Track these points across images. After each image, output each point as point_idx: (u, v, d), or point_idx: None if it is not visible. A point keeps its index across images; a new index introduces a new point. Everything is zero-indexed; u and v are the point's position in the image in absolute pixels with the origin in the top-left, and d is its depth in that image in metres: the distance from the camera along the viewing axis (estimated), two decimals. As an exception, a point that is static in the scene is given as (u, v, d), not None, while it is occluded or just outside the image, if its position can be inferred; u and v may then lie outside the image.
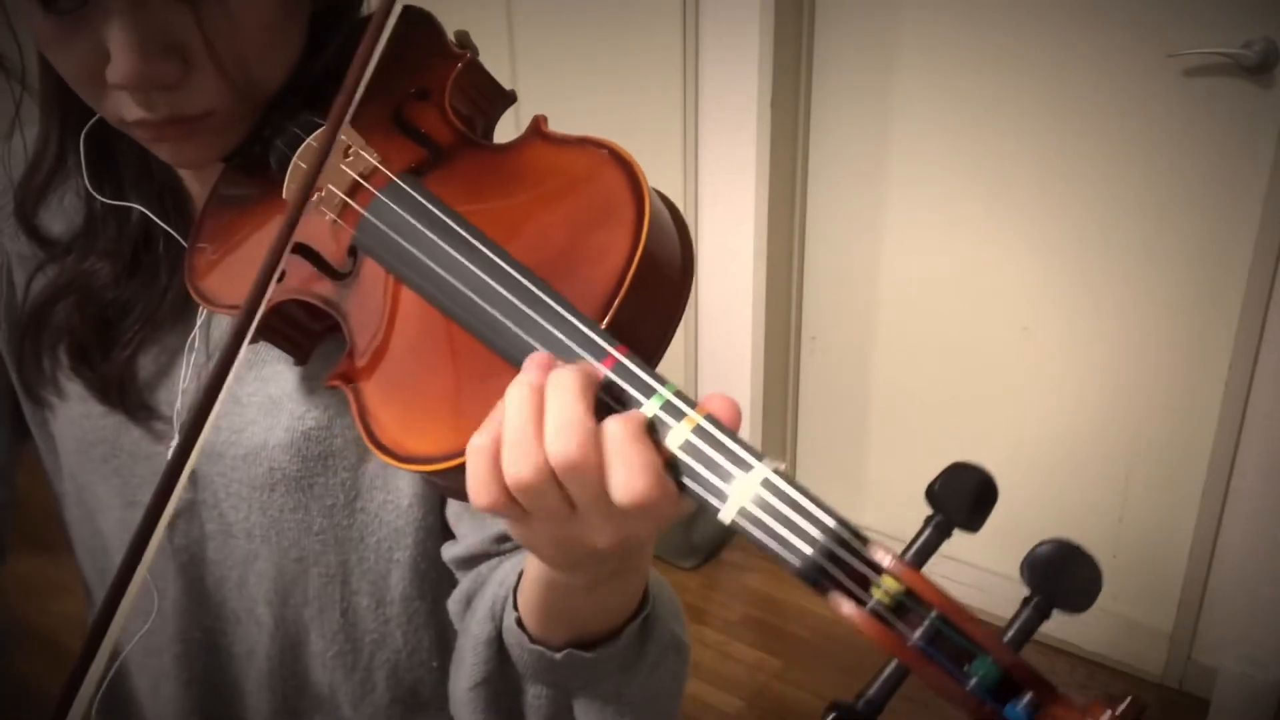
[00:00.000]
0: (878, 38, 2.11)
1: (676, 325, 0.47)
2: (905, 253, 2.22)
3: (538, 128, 0.53)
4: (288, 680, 0.72)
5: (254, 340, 0.57)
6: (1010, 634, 0.38)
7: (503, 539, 0.63)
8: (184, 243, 0.65)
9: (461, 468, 0.43)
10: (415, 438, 0.47)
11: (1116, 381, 2.02)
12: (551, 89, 2.51)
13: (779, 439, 2.52)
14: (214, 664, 0.73)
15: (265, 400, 0.66)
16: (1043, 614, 0.38)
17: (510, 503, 0.41)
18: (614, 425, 0.39)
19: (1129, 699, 0.36)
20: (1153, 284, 1.92)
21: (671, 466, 0.40)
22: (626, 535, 0.42)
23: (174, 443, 0.46)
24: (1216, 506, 1.92)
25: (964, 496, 0.39)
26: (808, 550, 0.38)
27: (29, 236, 0.69)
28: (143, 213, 0.66)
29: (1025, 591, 0.38)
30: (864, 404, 2.40)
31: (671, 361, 2.49)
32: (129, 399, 0.67)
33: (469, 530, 0.65)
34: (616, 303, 0.43)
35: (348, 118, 0.49)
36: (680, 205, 2.36)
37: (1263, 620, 1.93)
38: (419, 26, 0.60)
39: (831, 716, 0.37)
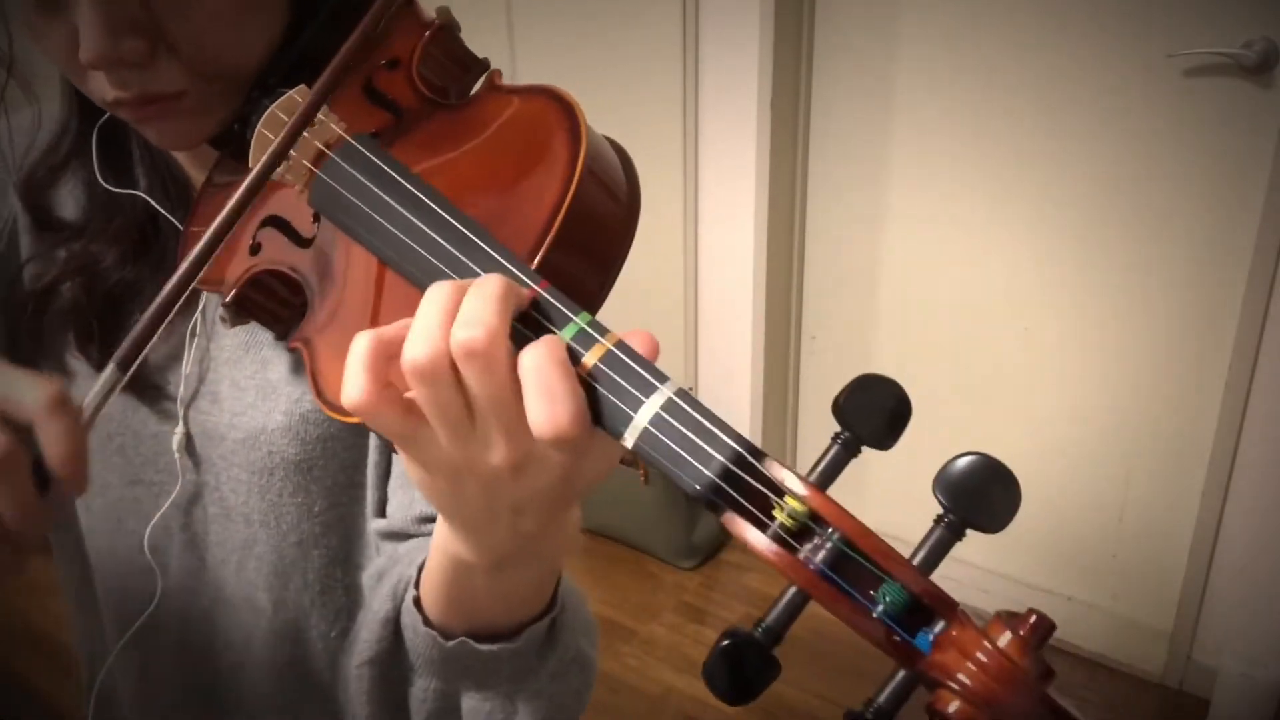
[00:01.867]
0: (878, 38, 2.11)
1: (618, 267, 0.47)
2: (905, 253, 2.22)
3: (492, 81, 0.54)
4: (285, 667, 0.72)
5: (240, 319, 0.58)
6: (920, 556, 0.35)
7: (424, 520, 0.63)
8: (180, 228, 0.66)
9: None
10: None
11: (1117, 381, 2.02)
12: (551, 89, 2.51)
13: (779, 438, 2.52)
14: (212, 647, 0.74)
15: (263, 384, 0.67)
16: (956, 534, 0.35)
17: (383, 400, 0.39)
18: (534, 350, 0.38)
19: (1034, 616, 0.33)
20: (1153, 284, 1.92)
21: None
22: (525, 455, 0.40)
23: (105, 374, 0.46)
24: (1216, 506, 1.92)
25: (872, 411, 0.37)
26: (705, 471, 0.37)
27: (35, 220, 0.70)
28: (147, 199, 0.67)
29: (940, 513, 0.36)
30: (864, 404, 2.40)
31: (672, 360, 2.49)
32: (137, 380, 0.68)
33: (396, 507, 0.65)
34: (547, 242, 0.44)
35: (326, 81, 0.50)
36: (680, 205, 2.36)
37: (1263, 620, 1.93)
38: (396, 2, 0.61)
39: (724, 644, 0.35)
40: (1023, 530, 2.20)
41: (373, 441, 0.67)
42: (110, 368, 0.46)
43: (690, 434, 0.38)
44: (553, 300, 0.42)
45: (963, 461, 0.35)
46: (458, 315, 0.39)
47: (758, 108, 2.20)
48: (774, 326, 2.40)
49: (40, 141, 0.70)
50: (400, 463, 0.66)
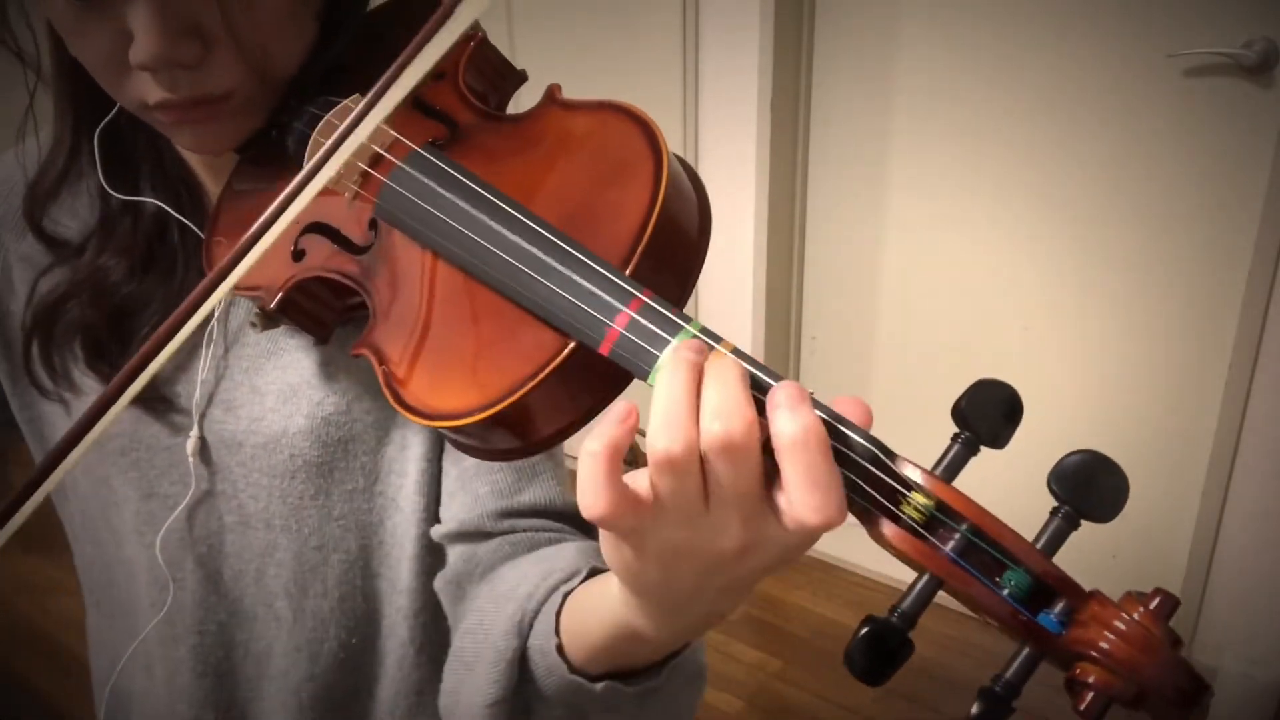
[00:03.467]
0: (878, 38, 2.11)
1: (695, 280, 0.47)
2: (905, 252, 2.23)
3: (552, 95, 0.54)
4: (304, 679, 0.72)
5: (272, 324, 0.58)
6: (1041, 543, 0.38)
7: (500, 516, 0.63)
8: (201, 234, 0.65)
9: (484, 422, 0.44)
10: (441, 395, 0.47)
11: (1116, 381, 2.02)
12: (551, 89, 2.51)
13: (779, 439, 2.52)
14: (229, 659, 0.74)
15: (284, 388, 0.66)
16: (1072, 523, 0.38)
17: (625, 506, 0.38)
18: (793, 433, 0.36)
19: (1161, 595, 0.37)
20: (1153, 284, 1.92)
21: None
22: (758, 539, 0.39)
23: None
24: (1216, 506, 1.92)
25: (990, 412, 0.39)
26: (841, 469, 0.38)
27: (37, 237, 0.69)
28: (157, 208, 0.66)
29: (1055, 505, 0.39)
30: (864, 404, 2.40)
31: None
32: (147, 394, 0.67)
33: (461, 508, 0.65)
34: (638, 253, 0.44)
35: (389, 97, 0.50)
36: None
37: (1263, 620, 1.93)
38: (429, 10, 0.61)
39: (865, 630, 0.37)
40: (1022, 530, 2.20)
41: (415, 451, 0.66)
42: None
43: None
44: (661, 310, 0.42)
45: (1074, 458, 0.38)
46: (705, 406, 0.37)
47: (758, 108, 2.20)
48: (774, 326, 2.40)
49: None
50: (454, 466, 0.66)
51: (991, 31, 1.96)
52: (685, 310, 0.44)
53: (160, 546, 0.70)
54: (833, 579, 2.42)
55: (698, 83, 2.28)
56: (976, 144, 2.04)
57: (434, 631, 0.71)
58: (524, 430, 0.46)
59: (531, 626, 0.56)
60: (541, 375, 0.43)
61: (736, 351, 0.40)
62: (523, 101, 0.57)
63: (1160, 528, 2.04)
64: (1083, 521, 0.38)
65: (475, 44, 0.58)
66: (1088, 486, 0.38)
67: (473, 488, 0.65)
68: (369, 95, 0.49)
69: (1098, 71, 1.85)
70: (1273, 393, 1.80)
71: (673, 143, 2.32)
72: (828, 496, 0.36)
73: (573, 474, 0.41)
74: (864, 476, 0.38)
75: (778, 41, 2.14)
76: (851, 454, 0.38)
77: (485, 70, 0.59)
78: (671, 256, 0.46)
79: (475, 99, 0.57)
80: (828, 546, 2.48)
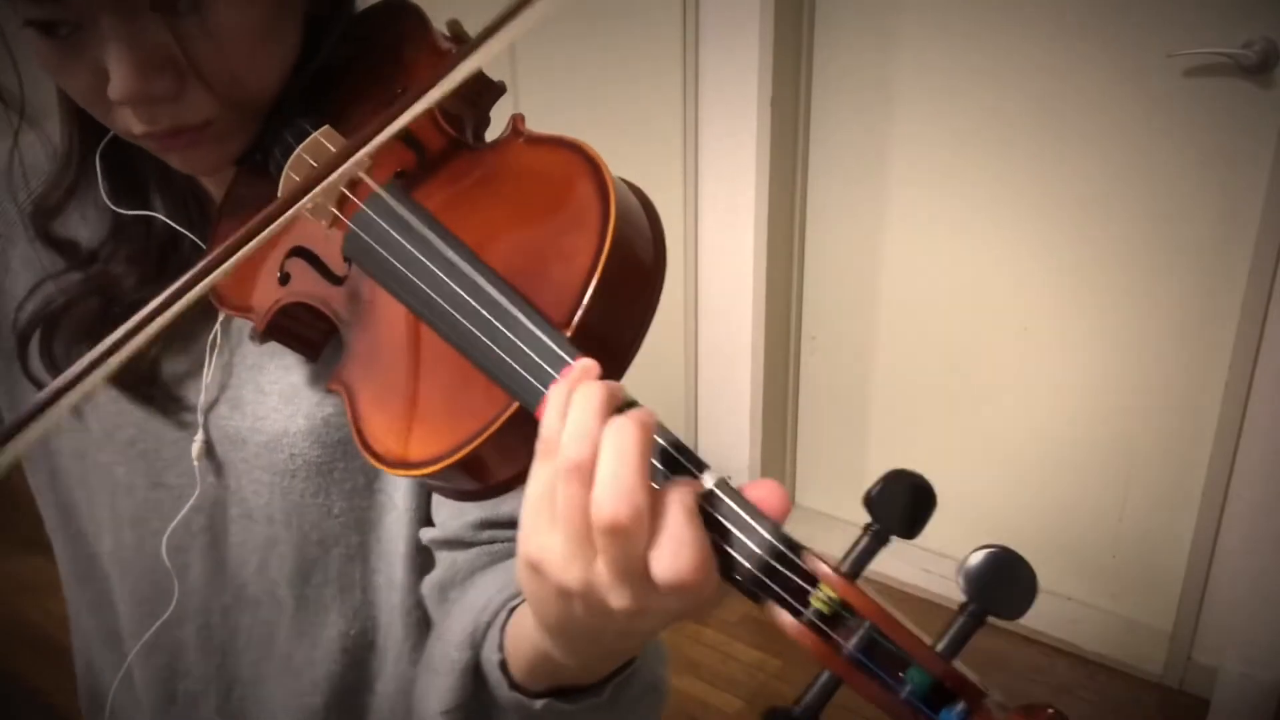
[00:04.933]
0: (878, 38, 2.11)
1: (651, 315, 0.47)
2: (905, 252, 2.23)
3: (515, 127, 0.54)
4: (305, 664, 0.73)
5: (268, 340, 0.58)
6: (943, 643, 0.38)
7: (481, 526, 0.64)
8: (204, 247, 0.66)
9: (448, 469, 0.44)
10: (402, 443, 0.48)
11: (1116, 381, 2.02)
12: (552, 90, 2.51)
13: (779, 439, 2.52)
14: (234, 640, 0.75)
15: (286, 388, 0.67)
16: (978, 621, 0.38)
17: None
18: (671, 497, 0.38)
19: (1050, 709, 0.36)
20: (1153, 284, 1.92)
21: None
22: (648, 605, 0.39)
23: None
24: (1216, 506, 1.91)
25: (900, 504, 0.39)
26: (745, 564, 0.38)
27: (46, 244, 0.70)
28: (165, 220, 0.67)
29: (963, 601, 0.38)
30: (864, 404, 2.40)
31: (671, 361, 2.49)
32: (157, 394, 0.69)
33: (448, 516, 0.66)
34: (584, 304, 0.44)
35: (362, 152, 0.49)
36: (680, 205, 2.36)
37: (1263, 620, 1.93)
38: (406, 20, 0.60)
39: None
40: (1023, 531, 2.20)
41: None
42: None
43: (729, 526, 0.39)
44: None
45: (981, 554, 0.38)
46: (596, 482, 0.37)
47: (758, 107, 2.20)
48: (774, 326, 2.40)
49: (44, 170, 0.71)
50: None
51: (991, 31, 1.96)
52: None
53: (166, 540, 0.71)
54: (833, 579, 2.41)
55: (698, 83, 2.28)
56: (976, 144, 2.04)
57: (430, 630, 0.72)
58: (481, 476, 0.46)
59: (484, 639, 0.58)
60: (486, 434, 0.44)
61: (660, 429, 0.40)
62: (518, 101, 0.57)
63: (1160, 528, 2.04)
64: (989, 618, 0.38)
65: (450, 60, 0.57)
66: (994, 584, 0.38)
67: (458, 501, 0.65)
68: (344, 146, 0.49)
69: (1097, 71, 1.85)
70: (1273, 393, 1.80)
71: (673, 143, 2.33)
72: (682, 552, 0.37)
73: None
74: (766, 571, 0.38)
75: (778, 41, 2.14)
76: (755, 548, 0.38)
77: (463, 93, 0.58)
78: (621, 300, 0.46)
79: (446, 121, 0.56)
80: (829, 547, 2.48)
